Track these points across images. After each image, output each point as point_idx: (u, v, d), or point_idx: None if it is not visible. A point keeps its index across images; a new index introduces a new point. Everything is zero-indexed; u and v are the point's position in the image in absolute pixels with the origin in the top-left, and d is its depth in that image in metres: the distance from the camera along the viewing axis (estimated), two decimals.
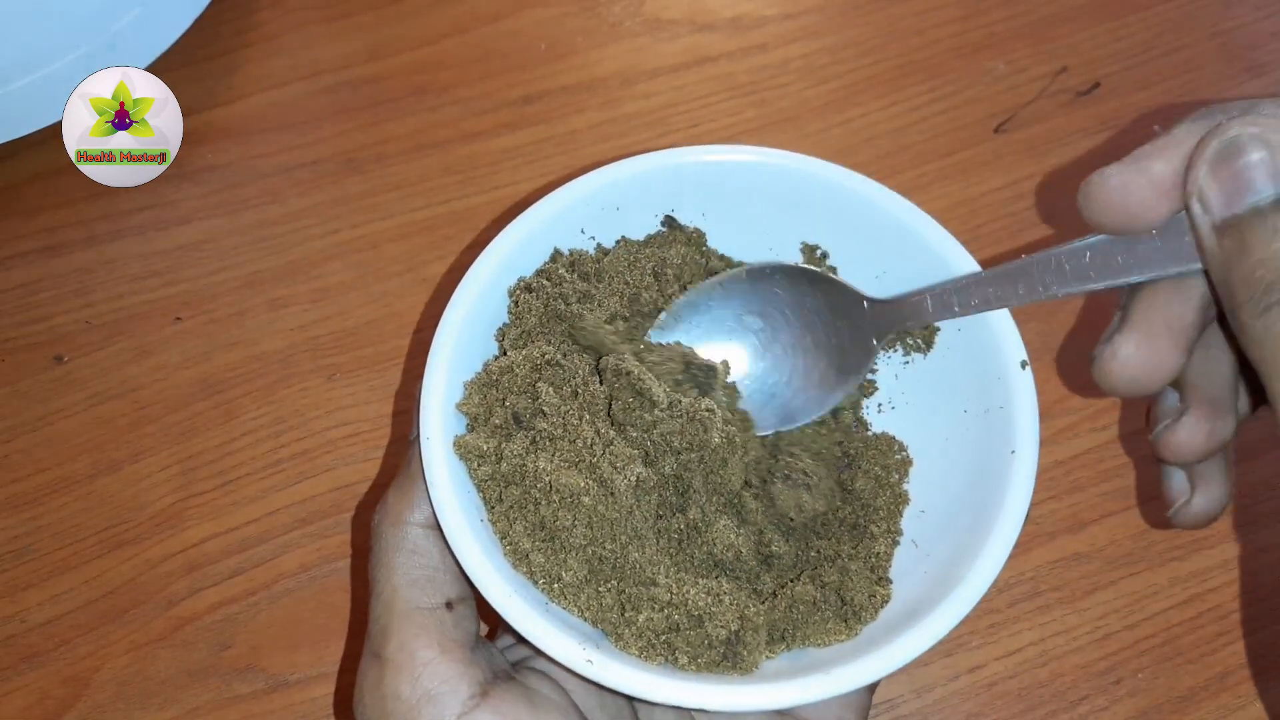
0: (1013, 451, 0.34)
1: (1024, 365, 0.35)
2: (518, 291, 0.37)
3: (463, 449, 0.34)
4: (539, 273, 0.38)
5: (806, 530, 0.37)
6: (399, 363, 0.49)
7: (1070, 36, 0.58)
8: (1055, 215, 0.53)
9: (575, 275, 0.38)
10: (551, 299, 0.36)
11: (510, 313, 0.37)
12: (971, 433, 0.36)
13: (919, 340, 0.39)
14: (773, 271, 0.37)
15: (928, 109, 0.56)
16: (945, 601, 0.31)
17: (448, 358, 0.35)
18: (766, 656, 0.33)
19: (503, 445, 0.34)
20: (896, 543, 0.36)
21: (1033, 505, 0.33)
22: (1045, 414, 0.35)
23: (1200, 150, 0.27)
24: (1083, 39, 0.58)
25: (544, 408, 0.34)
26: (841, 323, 0.37)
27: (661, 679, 0.30)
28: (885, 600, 0.34)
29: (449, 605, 0.33)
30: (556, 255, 0.38)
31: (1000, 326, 0.36)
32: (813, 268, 0.38)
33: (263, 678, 0.43)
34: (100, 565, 0.45)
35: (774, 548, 0.35)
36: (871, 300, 0.36)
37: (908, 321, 0.36)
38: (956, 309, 0.34)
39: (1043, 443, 0.34)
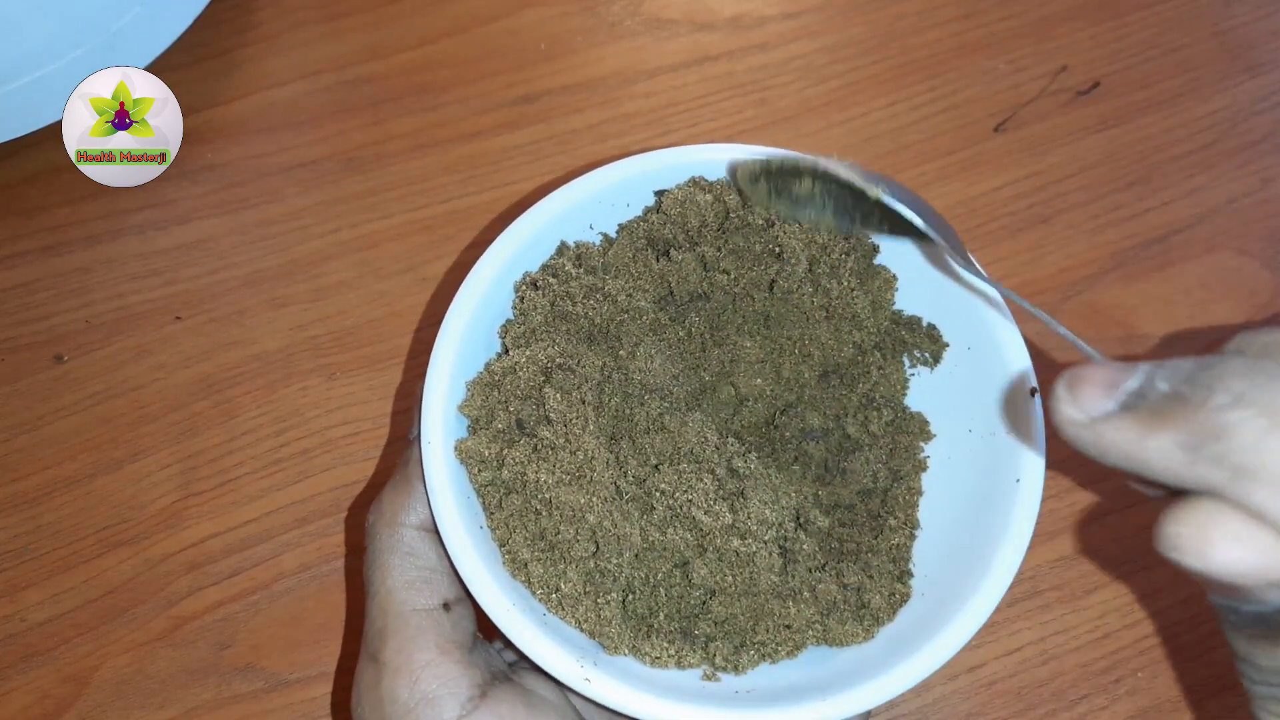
0: (1018, 480, 0.33)
1: (1034, 393, 0.35)
2: (523, 288, 0.37)
3: (464, 454, 0.33)
4: (544, 268, 0.37)
5: (833, 519, 0.36)
6: (399, 362, 0.49)
7: (1070, 36, 0.58)
8: (1054, 214, 0.53)
9: (582, 269, 0.37)
10: (558, 297, 0.36)
11: (515, 309, 0.37)
12: (975, 454, 0.36)
13: (926, 354, 0.39)
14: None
15: (928, 108, 0.56)
16: (939, 636, 0.31)
17: (451, 357, 0.35)
18: (787, 657, 0.33)
19: (505, 451, 0.33)
20: (914, 536, 0.36)
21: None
22: (1045, 413, 0.35)
23: (1169, 534, 0.23)
24: (1083, 38, 0.58)
25: (549, 414, 0.33)
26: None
27: (661, 701, 0.30)
28: (904, 599, 0.34)
29: (446, 606, 0.33)
30: (563, 249, 0.38)
31: (1011, 349, 0.35)
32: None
33: (262, 677, 0.43)
34: (100, 564, 0.45)
35: (817, 522, 0.35)
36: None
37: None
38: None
39: None
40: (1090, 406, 0.24)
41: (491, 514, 0.33)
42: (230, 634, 0.43)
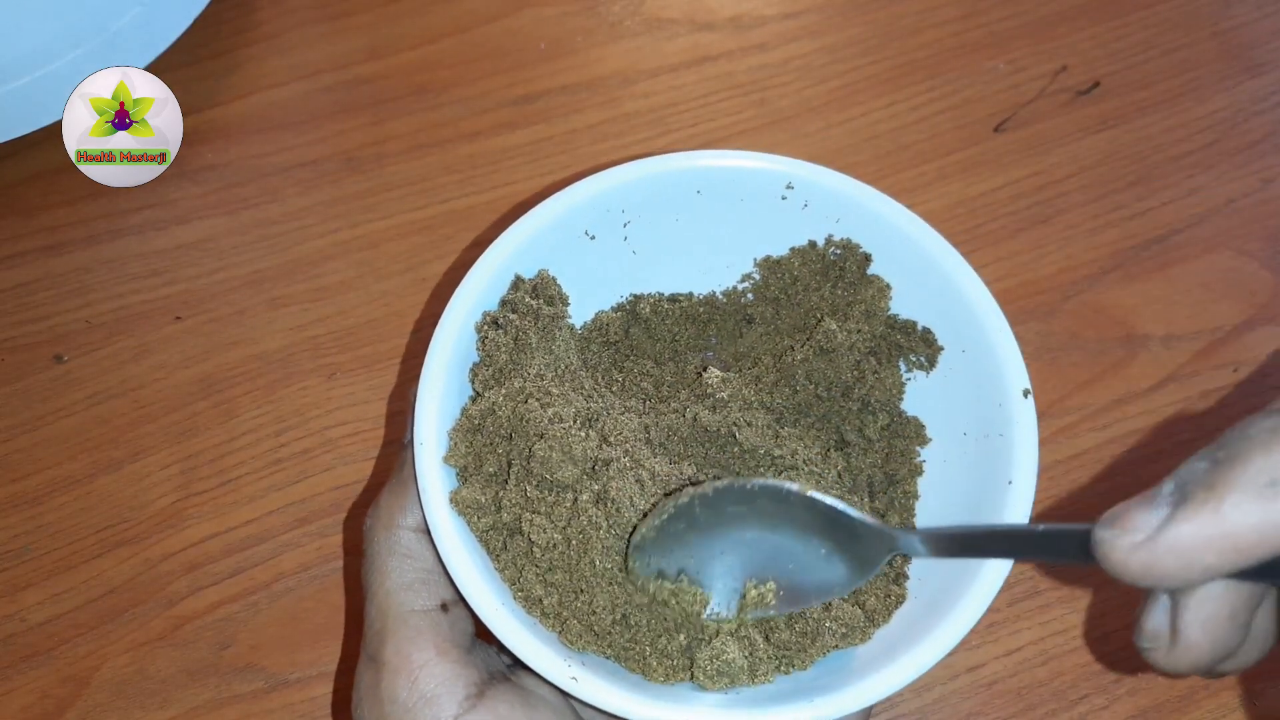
0: (1010, 482, 0.33)
1: (1026, 394, 0.35)
2: (484, 328, 0.36)
3: (460, 504, 0.33)
4: (504, 304, 0.37)
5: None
6: (399, 362, 0.49)
7: (1070, 36, 0.58)
8: (1054, 214, 0.53)
9: (541, 300, 0.37)
10: (521, 332, 0.35)
11: (479, 350, 0.36)
12: (969, 457, 0.36)
13: (921, 359, 0.39)
14: (750, 491, 0.32)
15: (928, 108, 0.56)
16: (929, 637, 0.31)
17: (445, 357, 0.35)
18: (797, 670, 0.33)
19: (500, 494, 0.33)
20: None
21: (1033, 504, 0.33)
22: (1045, 413, 0.35)
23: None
24: (1083, 38, 0.58)
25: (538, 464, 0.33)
26: (838, 537, 0.32)
27: (650, 702, 0.30)
28: (900, 600, 0.34)
29: (444, 607, 0.33)
30: (518, 283, 0.37)
31: (1004, 352, 0.35)
32: (794, 489, 0.32)
33: (262, 677, 0.43)
34: (100, 564, 0.45)
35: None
36: (869, 525, 0.32)
37: (904, 551, 0.32)
38: (959, 553, 0.31)
39: (1042, 442, 0.34)
40: (1141, 524, 0.22)
41: (497, 556, 0.33)
42: (230, 634, 0.43)
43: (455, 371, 0.35)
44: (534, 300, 0.37)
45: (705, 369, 0.39)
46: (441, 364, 0.35)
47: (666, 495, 0.34)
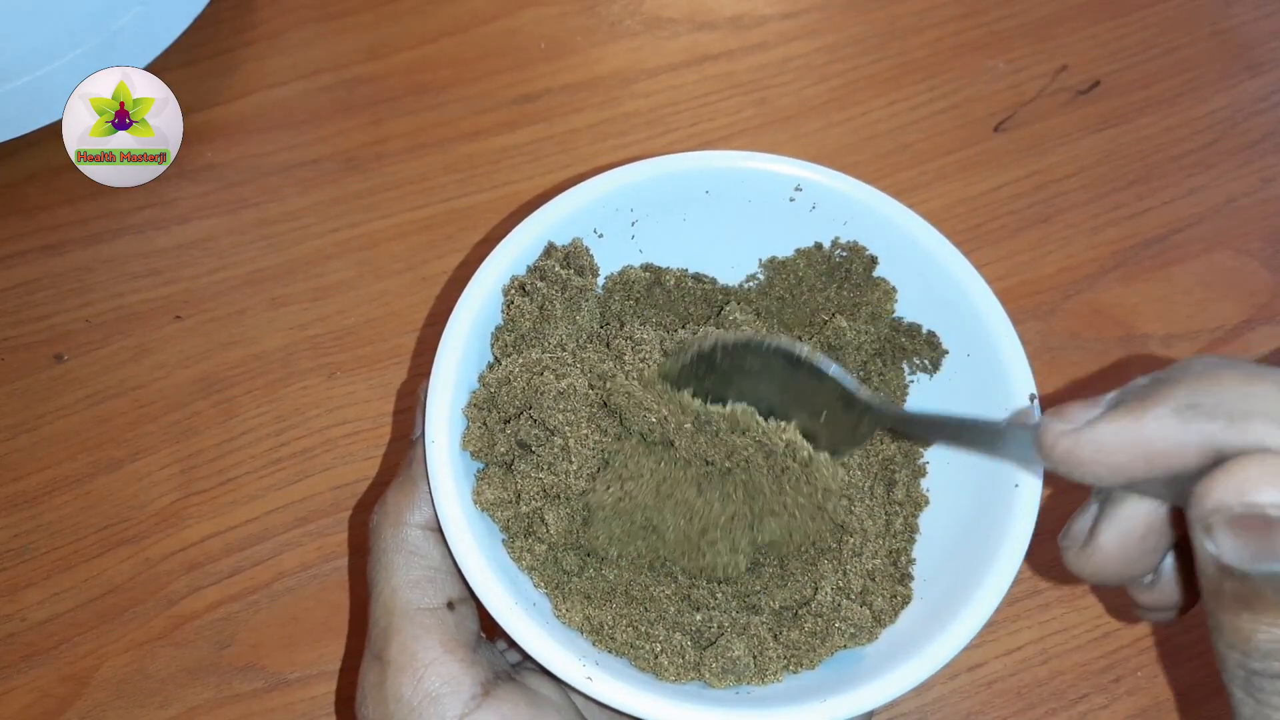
0: (1016, 485, 0.33)
1: (1033, 398, 0.35)
2: (511, 291, 0.36)
3: (484, 505, 0.33)
4: (532, 270, 0.37)
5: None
6: (399, 361, 0.49)
7: (1070, 35, 0.58)
8: (1054, 214, 0.53)
9: (571, 270, 0.37)
10: (547, 300, 0.36)
11: (503, 314, 0.36)
12: (974, 459, 0.36)
13: (925, 361, 0.39)
14: (766, 349, 0.34)
15: (928, 108, 0.56)
16: (938, 638, 0.31)
17: (456, 356, 0.35)
18: (805, 669, 0.33)
19: (519, 485, 0.33)
20: (914, 539, 0.36)
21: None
22: (1036, 445, 0.35)
23: (1215, 490, 0.22)
24: (1083, 38, 0.58)
25: (551, 427, 0.33)
26: (833, 404, 0.34)
27: (663, 700, 0.30)
28: (906, 601, 0.34)
29: (450, 605, 0.33)
30: (550, 250, 0.37)
31: (1010, 356, 0.35)
32: (803, 354, 0.34)
33: (262, 676, 0.43)
34: (100, 564, 0.45)
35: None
36: (868, 402, 0.33)
37: (896, 427, 0.34)
38: (946, 441, 0.33)
39: None
40: (1077, 417, 0.25)
41: (514, 542, 0.34)
42: (230, 633, 0.43)
43: (465, 370, 0.35)
44: (564, 270, 0.36)
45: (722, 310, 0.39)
46: (451, 365, 0.34)
47: (681, 342, 0.35)
